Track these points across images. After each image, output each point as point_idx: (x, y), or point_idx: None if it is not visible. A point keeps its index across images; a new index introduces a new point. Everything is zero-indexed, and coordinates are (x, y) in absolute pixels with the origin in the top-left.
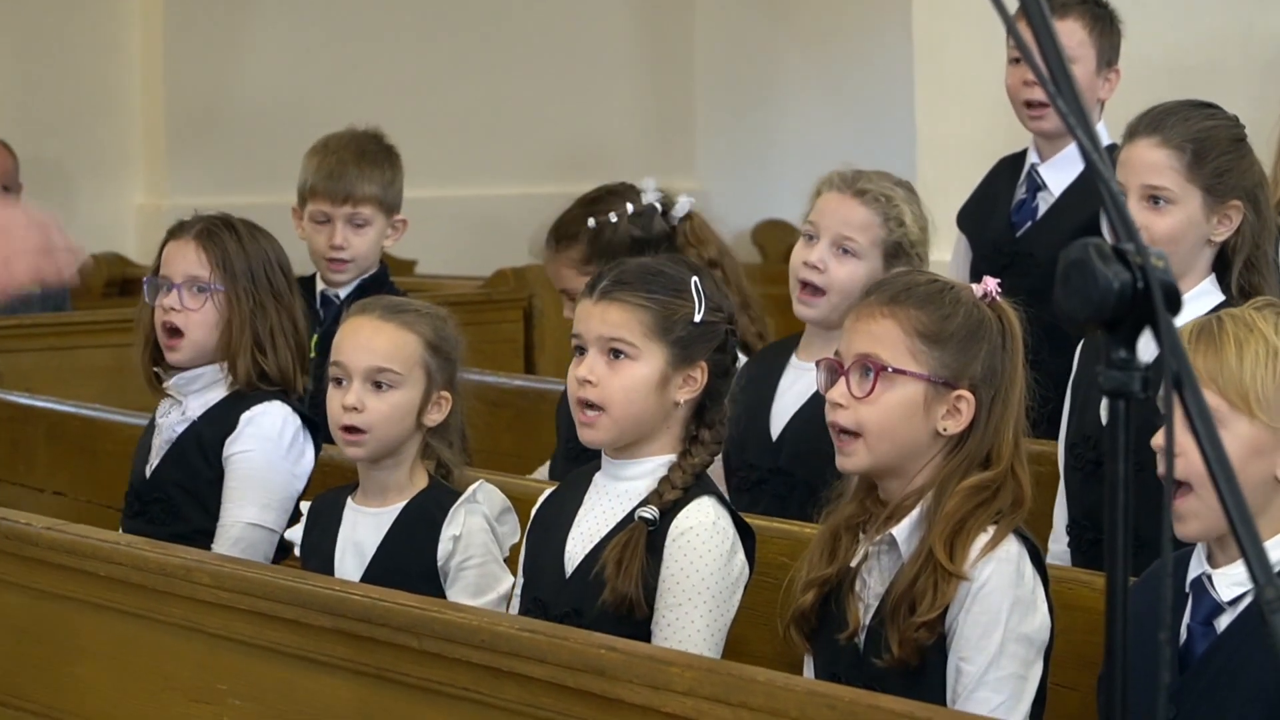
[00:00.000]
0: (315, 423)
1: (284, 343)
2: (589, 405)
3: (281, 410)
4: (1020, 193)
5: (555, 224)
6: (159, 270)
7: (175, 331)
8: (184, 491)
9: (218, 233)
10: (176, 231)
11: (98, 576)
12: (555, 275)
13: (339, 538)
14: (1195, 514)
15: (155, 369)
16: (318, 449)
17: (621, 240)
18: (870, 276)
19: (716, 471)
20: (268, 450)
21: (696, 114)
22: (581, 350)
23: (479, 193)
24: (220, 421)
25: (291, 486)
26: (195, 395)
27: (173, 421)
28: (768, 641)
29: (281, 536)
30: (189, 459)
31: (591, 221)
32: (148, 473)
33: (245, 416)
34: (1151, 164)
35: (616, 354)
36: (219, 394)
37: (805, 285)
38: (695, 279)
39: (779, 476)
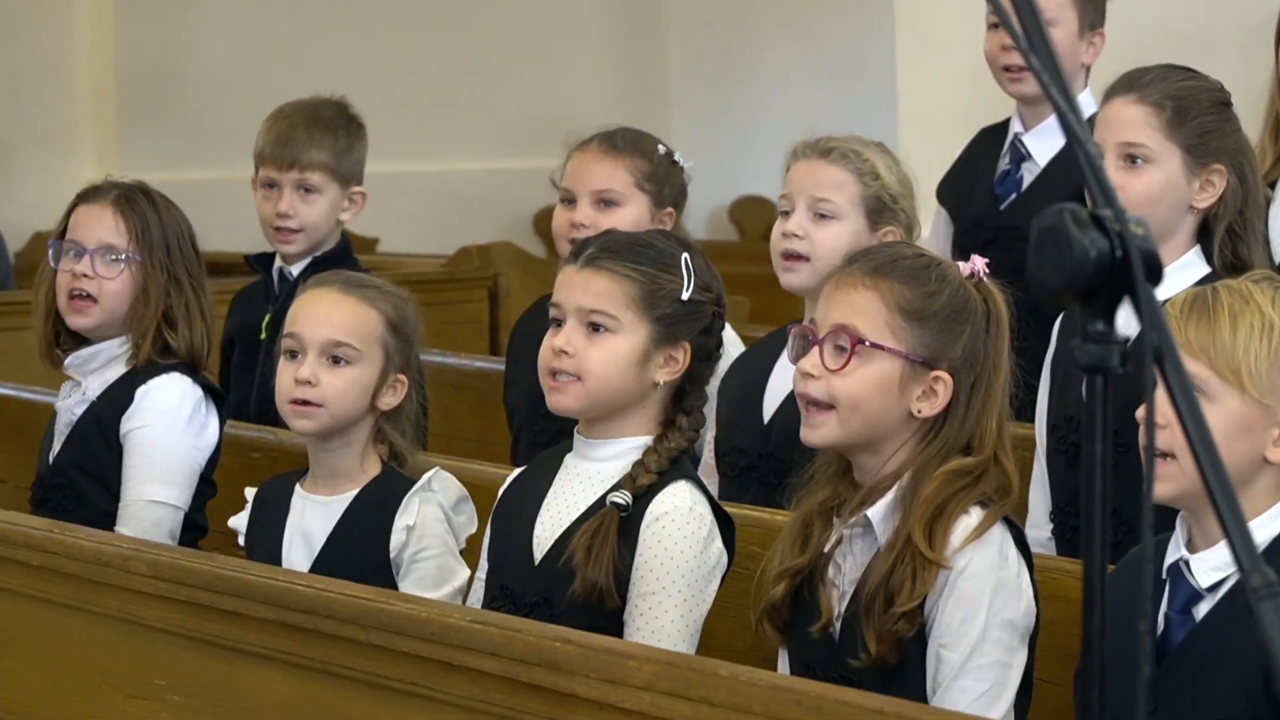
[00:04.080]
0: (220, 393)
1: (198, 318)
2: (561, 373)
3: (180, 382)
4: (1004, 164)
5: (624, 130)
6: (65, 233)
7: (85, 297)
8: (86, 475)
9: (135, 200)
10: (89, 195)
11: (29, 566)
12: (598, 174)
13: (287, 526)
14: (1170, 477)
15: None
16: (223, 421)
17: (677, 179)
18: (855, 237)
19: (709, 462)
20: (165, 424)
21: (670, 85)
22: (559, 322)
23: (442, 168)
24: (117, 399)
25: (194, 460)
26: (95, 374)
27: (72, 404)
28: (738, 634)
29: (193, 520)
30: (89, 441)
31: (662, 148)
32: (50, 459)
33: (141, 391)
34: (1129, 121)
35: (596, 326)
36: (119, 371)
37: (788, 258)
38: (686, 255)
39: (769, 462)
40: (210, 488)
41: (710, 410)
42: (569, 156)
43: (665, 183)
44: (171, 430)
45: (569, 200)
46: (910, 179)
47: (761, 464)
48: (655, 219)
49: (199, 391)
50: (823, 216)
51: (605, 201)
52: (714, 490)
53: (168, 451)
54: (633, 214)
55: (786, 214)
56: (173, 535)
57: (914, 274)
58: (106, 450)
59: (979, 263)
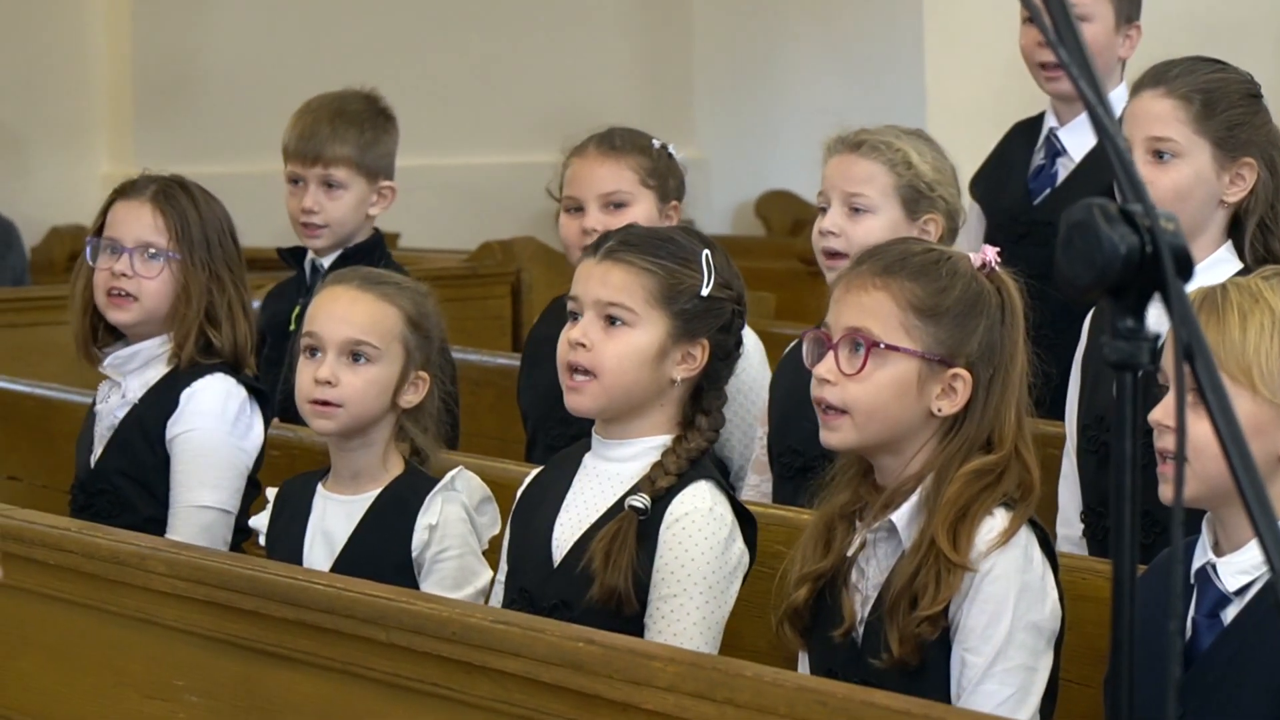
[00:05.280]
0: (264, 393)
1: (240, 316)
2: (578, 370)
3: (224, 383)
4: (1038, 158)
5: (616, 130)
6: (102, 230)
7: (125, 296)
8: (130, 480)
9: (175, 195)
10: (127, 191)
11: (46, 565)
12: (603, 177)
13: (308, 526)
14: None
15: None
16: (267, 421)
17: (676, 171)
18: (892, 229)
19: (761, 459)
20: (212, 427)
21: (695, 77)
22: (576, 315)
23: (464, 161)
24: (160, 402)
25: (241, 462)
26: (134, 375)
27: (113, 406)
28: (762, 635)
29: (239, 522)
30: (132, 445)
31: (657, 142)
32: (92, 463)
33: (185, 394)
34: (1156, 115)
35: (613, 320)
36: (159, 371)
37: (829, 256)
38: (707, 252)
39: (826, 463)
40: (254, 488)
41: (742, 407)
42: (566, 164)
43: (668, 176)
44: (218, 433)
45: (575, 208)
46: (949, 165)
47: (819, 465)
48: (662, 214)
49: (243, 392)
50: (857, 211)
51: (614, 204)
52: (767, 490)
53: (215, 455)
54: (643, 212)
55: (825, 210)
56: (225, 541)
57: (924, 270)
58: (151, 455)
59: (989, 252)
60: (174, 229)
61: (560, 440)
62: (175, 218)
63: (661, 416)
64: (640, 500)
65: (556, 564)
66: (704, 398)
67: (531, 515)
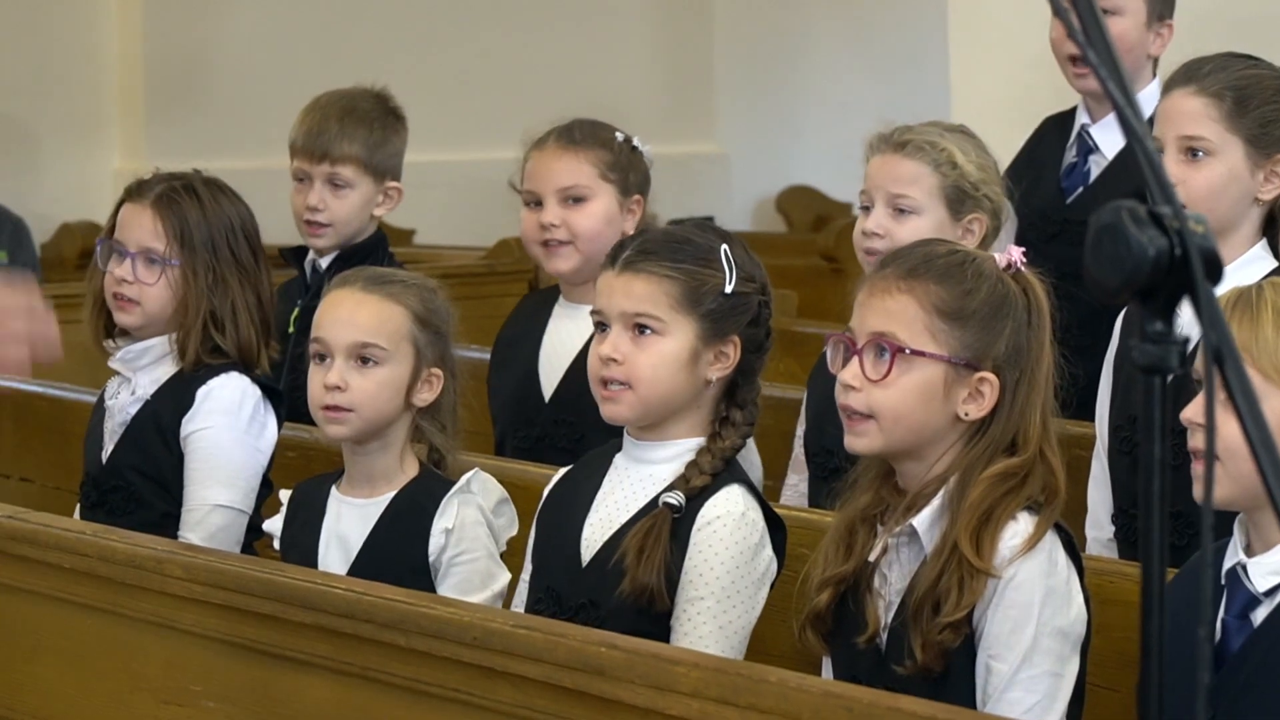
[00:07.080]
0: (278, 392)
1: (246, 318)
2: (613, 382)
3: (239, 382)
4: (1070, 155)
5: (580, 122)
6: (113, 231)
7: (128, 300)
8: (144, 477)
9: (178, 199)
10: (134, 193)
11: (61, 568)
12: (561, 171)
13: (323, 530)
14: (1215, 481)
15: (107, 339)
16: (280, 420)
17: (640, 165)
18: (937, 230)
19: (800, 456)
20: (227, 425)
21: (716, 72)
22: (603, 327)
23: (481, 157)
24: (175, 399)
25: (256, 462)
26: (145, 371)
27: (124, 403)
28: (787, 640)
29: (251, 521)
30: (146, 441)
31: (620, 135)
32: (104, 459)
33: (201, 391)
34: (1188, 113)
35: (642, 329)
36: (170, 369)
37: (872, 256)
38: (725, 246)
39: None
40: (265, 486)
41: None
42: (526, 157)
43: (629, 170)
44: (233, 432)
45: (534, 203)
46: (993, 162)
47: (851, 465)
48: (624, 208)
49: (257, 391)
50: (902, 212)
51: (572, 198)
52: (804, 487)
53: (230, 454)
54: (601, 206)
55: (866, 209)
56: (238, 540)
57: (949, 272)
58: (167, 453)
59: (1015, 253)
60: (173, 233)
61: (526, 442)
62: (175, 223)
63: (696, 418)
64: (675, 497)
65: (585, 563)
66: (739, 392)
67: (560, 514)
